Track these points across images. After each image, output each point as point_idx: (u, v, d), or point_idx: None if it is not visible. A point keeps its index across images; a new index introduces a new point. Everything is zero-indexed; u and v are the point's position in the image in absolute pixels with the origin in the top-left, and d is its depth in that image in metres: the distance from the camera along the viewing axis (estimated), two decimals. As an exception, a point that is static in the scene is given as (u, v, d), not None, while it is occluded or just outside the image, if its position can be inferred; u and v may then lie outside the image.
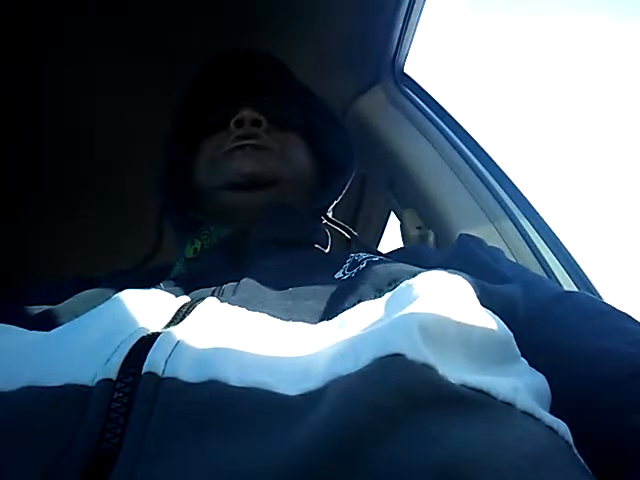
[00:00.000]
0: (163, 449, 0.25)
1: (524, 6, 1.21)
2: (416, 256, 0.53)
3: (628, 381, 0.36)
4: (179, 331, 0.32)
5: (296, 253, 0.53)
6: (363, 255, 0.48)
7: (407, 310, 0.33)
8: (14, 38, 0.84)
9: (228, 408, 0.27)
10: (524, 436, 0.27)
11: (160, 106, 0.70)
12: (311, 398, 0.28)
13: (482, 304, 0.38)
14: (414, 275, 0.39)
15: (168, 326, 0.33)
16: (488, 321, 0.35)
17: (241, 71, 0.69)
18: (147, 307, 0.35)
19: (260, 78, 0.68)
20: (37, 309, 0.45)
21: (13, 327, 0.38)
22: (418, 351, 0.28)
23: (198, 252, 0.57)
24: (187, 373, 0.28)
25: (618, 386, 0.36)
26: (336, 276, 0.45)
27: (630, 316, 0.42)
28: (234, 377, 0.28)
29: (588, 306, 0.45)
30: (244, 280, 0.43)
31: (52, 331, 0.36)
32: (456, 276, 0.39)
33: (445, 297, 0.35)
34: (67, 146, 1.04)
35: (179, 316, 0.35)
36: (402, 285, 0.38)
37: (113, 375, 0.28)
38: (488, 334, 0.35)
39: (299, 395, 0.28)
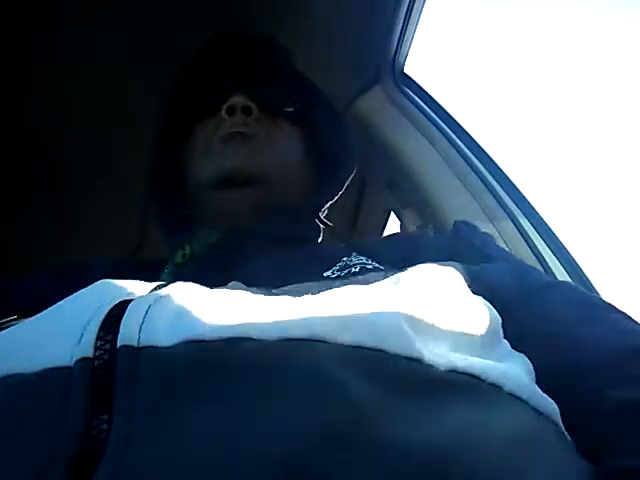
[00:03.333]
0: (153, 426, 0.24)
1: (525, 4, 1.21)
2: (414, 246, 0.53)
3: (611, 363, 0.36)
4: (150, 298, 0.30)
5: (285, 251, 0.53)
6: (356, 260, 0.47)
7: (394, 300, 0.33)
8: (12, 37, 0.84)
9: (212, 369, 0.26)
10: (511, 418, 0.28)
11: (160, 105, 0.69)
12: (292, 346, 0.27)
13: (473, 289, 0.39)
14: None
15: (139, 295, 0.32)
16: (476, 308, 0.36)
17: (236, 55, 0.67)
18: (122, 288, 0.34)
19: (256, 63, 0.66)
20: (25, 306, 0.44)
21: None
22: (405, 340, 0.29)
23: (187, 257, 0.56)
24: (163, 337, 0.27)
25: (602, 368, 0.36)
26: (325, 274, 0.46)
27: (615, 307, 0.43)
28: (211, 332, 0.28)
29: (575, 296, 0.46)
30: (232, 283, 0.43)
31: (25, 320, 0.35)
32: (446, 267, 0.39)
33: (433, 288, 0.36)
34: (66, 146, 1.04)
35: (153, 289, 0.34)
36: (392, 277, 0.38)
37: (89, 352, 0.27)
38: (476, 320, 0.35)
39: (279, 340, 0.27)
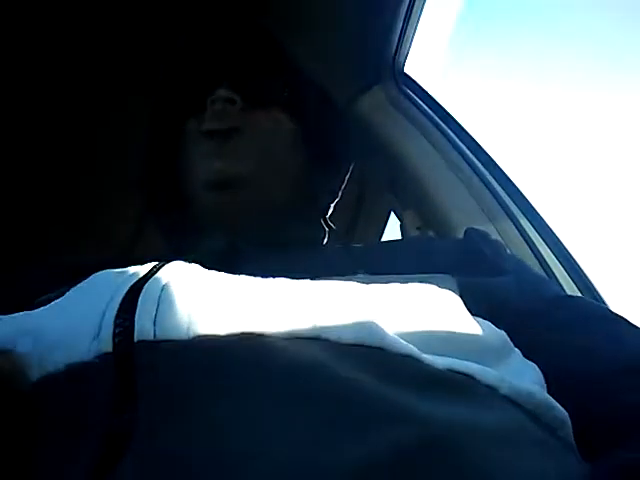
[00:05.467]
0: (176, 418, 0.25)
1: (525, 6, 1.21)
2: (423, 256, 0.53)
3: (624, 372, 0.37)
4: (158, 285, 0.31)
5: (290, 256, 0.52)
6: (360, 277, 0.47)
7: (392, 314, 0.34)
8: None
9: (224, 363, 0.27)
10: (500, 418, 0.29)
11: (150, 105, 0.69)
12: (299, 344, 0.29)
13: (479, 303, 0.39)
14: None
15: (145, 278, 0.32)
16: (476, 327, 0.37)
17: (219, 47, 0.63)
18: (125, 274, 0.34)
19: (239, 52, 0.63)
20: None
21: None
22: (400, 345, 0.30)
23: None
24: (177, 330, 0.28)
25: (615, 377, 0.37)
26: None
27: (626, 319, 0.43)
28: (223, 327, 0.29)
29: (586, 308, 0.46)
30: None
31: (35, 311, 0.35)
32: (444, 291, 0.40)
33: (430, 312, 0.36)
34: (64, 143, 1.04)
35: (153, 271, 0.34)
36: (393, 291, 0.38)
37: (109, 347, 0.28)
38: (476, 339, 0.36)
39: (287, 338, 0.29)
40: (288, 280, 0.36)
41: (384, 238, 1.23)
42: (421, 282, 0.40)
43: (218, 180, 0.55)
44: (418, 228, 0.90)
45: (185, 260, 0.54)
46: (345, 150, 0.65)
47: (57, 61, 0.89)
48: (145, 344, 0.28)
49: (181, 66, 0.65)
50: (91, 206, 1.15)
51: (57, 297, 0.36)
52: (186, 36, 0.66)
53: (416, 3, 0.88)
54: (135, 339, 0.28)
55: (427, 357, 0.30)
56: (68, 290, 0.35)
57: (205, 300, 0.30)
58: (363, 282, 0.44)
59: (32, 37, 0.84)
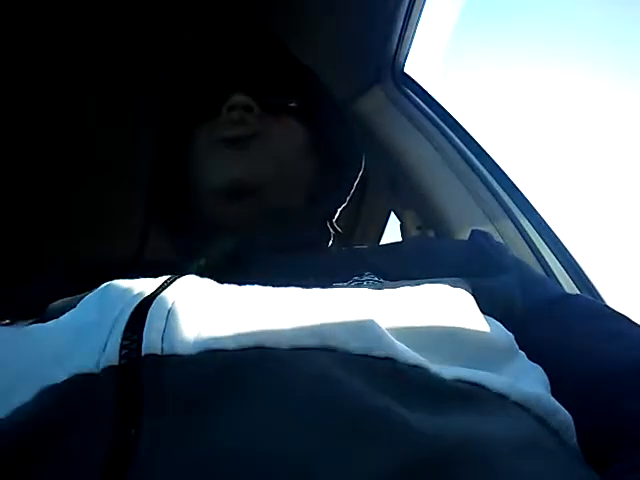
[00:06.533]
0: (180, 430, 0.25)
1: (524, 6, 1.21)
2: (429, 257, 0.53)
3: (628, 377, 0.37)
4: (168, 300, 0.31)
5: (297, 259, 0.52)
6: (368, 277, 0.48)
7: (403, 316, 0.34)
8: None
9: (231, 377, 0.27)
10: (511, 425, 0.29)
11: (161, 108, 0.69)
12: (304, 355, 0.29)
13: (485, 303, 0.39)
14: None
15: (155, 294, 0.32)
16: (487, 329, 0.37)
17: (234, 52, 0.63)
18: (135, 289, 0.34)
19: (255, 58, 0.63)
20: (32, 312, 0.44)
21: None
22: (409, 354, 0.30)
23: (201, 269, 0.53)
24: (185, 346, 0.28)
25: (618, 381, 0.37)
26: (335, 284, 0.45)
27: (628, 318, 0.43)
28: (230, 342, 0.29)
29: (589, 308, 0.46)
30: None
31: (45, 324, 0.35)
32: (457, 289, 0.40)
33: (442, 309, 0.36)
34: (67, 145, 1.04)
35: (164, 285, 0.34)
36: (403, 293, 0.38)
37: (115, 361, 0.28)
38: (485, 339, 0.36)
39: (291, 349, 0.29)
40: (296, 289, 0.36)
41: (384, 238, 1.23)
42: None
43: (236, 187, 0.55)
44: (418, 228, 0.90)
45: (195, 263, 0.55)
46: (355, 156, 0.65)
47: (63, 61, 0.89)
48: (152, 358, 0.27)
49: (194, 71, 0.65)
50: (95, 209, 1.15)
51: (68, 304, 0.36)
52: (200, 41, 0.66)
53: (416, 3, 0.88)
54: (142, 353, 0.28)
55: (436, 368, 0.30)
56: (78, 298, 0.35)
57: (214, 316, 0.30)
58: (374, 285, 0.44)
59: (39, 36, 0.84)
